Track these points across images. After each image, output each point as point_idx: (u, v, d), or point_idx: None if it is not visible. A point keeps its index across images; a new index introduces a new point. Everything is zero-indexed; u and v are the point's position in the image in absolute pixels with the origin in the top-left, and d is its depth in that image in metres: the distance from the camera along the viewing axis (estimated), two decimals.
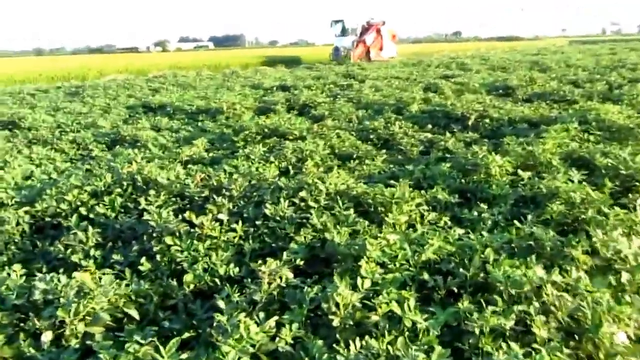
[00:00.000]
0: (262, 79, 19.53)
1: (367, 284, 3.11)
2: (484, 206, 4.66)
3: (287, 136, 7.90)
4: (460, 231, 4.10)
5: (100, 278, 3.36)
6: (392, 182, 5.41)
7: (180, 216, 4.34)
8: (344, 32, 38.42)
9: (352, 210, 4.46)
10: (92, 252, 4.05)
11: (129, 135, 8.62)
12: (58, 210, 4.70)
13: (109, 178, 5.07)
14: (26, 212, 4.65)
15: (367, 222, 4.29)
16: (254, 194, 4.88)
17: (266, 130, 8.10)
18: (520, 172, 5.38)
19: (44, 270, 4.03)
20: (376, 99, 11.83)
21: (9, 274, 3.49)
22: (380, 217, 4.44)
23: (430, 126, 8.67)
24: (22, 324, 3.06)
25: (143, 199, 4.76)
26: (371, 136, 8.08)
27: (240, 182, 4.97)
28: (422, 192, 5.03)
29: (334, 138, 7.51)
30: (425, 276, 3.39)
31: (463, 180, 5.50)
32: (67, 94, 17.02)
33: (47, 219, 4.70)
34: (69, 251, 4.07)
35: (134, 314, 3.07)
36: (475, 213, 4.58)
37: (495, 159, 5.50)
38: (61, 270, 3.87)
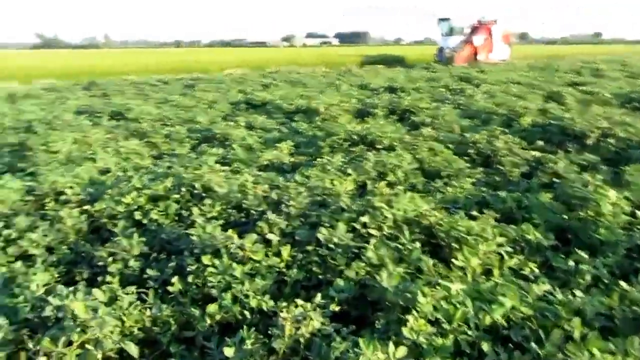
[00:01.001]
0: (373, 79, 18.99)
1: (402, 352, 2.52)
2: (584, 254, 3.79)
3: (375, 145, 7.34)
4: (546, 287, 3.32)
5: (116, 298, 3.11)
6: (477, 210, 4.71)
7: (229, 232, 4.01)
8: (451, 32, 35.89)
9: (418, 244, 3.84)
10: (131, 262, 3.83)
11: (220, 134, 8.55)
12: (114, 212, 4.57)
13: (169, 182, 4.87)
14: (84, 212, 4.58)
15: (432, 262, 3.66)
16: (313, 212, 4.41)
17: (355, 136, 7.59)
18: None
19: (85, 275, 3.91)
20: (486, 106, 10.84)
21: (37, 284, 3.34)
22: (450, 257, 3.78)
23: (541, 143, 7.64)
24: (27, 342, 2.86)
25: (197, 208, 4.50)
26: (470, 150, 7.26)
27: (300, 199, 4.52)
28: (512, 226, 4.26)
29: (424, 151, 6.82)
30: (485, 347, 2.72)
31: (566, 216, 4.60)
32: (184, 87, 17.71)
33: (104, 220, 4.59)
34: (110, 259, 3.89)
35: (133, 351, 2.74)
36: (572, 262, 3.73)
37: (609, 194, 4.54)
38: (100, 279, 3.75)
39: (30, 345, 2.69)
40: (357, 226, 4.10)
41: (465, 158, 6.96)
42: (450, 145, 7.46)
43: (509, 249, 3.90)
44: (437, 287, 3.20)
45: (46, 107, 11.99)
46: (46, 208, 4.75)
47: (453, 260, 3.68)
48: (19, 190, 4.96)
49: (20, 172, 6.30)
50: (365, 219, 4.11)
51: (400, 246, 3.82)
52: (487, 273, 3.71)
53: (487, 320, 2.87)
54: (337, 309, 3.08)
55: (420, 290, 3.04)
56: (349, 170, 5.83)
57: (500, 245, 3.89)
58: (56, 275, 3.84)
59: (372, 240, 3.84)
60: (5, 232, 4.27)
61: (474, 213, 4.38)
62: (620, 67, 24.36)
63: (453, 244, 3.98)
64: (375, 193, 4.85)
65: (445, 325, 2.87)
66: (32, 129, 8.72)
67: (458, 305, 2.98)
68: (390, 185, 5.57)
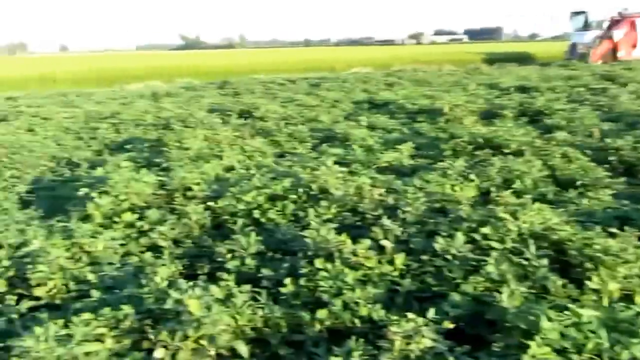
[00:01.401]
0: (503, 77, 18.04)
1: None
2: None
3: (502, 149, 6.92)
4: None
5: (231, 295, 3.20)
6: (617, 227, 4.23)
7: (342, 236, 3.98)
8: (586, 26, 32.27)
9: (545, 261, 3.52)
10: (248, 260, 3.93)
11: (340, 133, 8.59)
12: (235, 209, 4.74)
13: (288, 182, 4.95)
14: (208, 208, 4.80)
15: (561, 282, 3.34)
16: (431, 220, 4.23)
17: (480, 139, 7.22)
18: None
19: (205, 270, 4.10)
20: (633, 108, 9.80)
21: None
22: (583, 278, 3.42)
23: None
24: (149, 332, 3.03)
25: (313, 209, 4.52)
26: (611, 158, 6.59)
27: (417, 204, 4.37)
28: None
29: (557, 157, 6.30)
30: None
31: None
32: (309, 86, 18.12)
33: (226, 217, 4.78)
34: (229, 256, 4.04)
35: (244, 351, 2.79)
36: None
37: None
38: (218, 274, 3.89)
39: (151, 335, 2.84)
40: (477, 237, 3.86)
41: (605, 166, 6.32)
42: (588, 152, 6.81)
43: None
44: (566, 311, 2.90)
45: (183, 105, 12.89)
46: (175, 202, 5.06)
47: (587, 282, 3.33)
48: (152, 185, 5.33)
49: (155, 166, 6.79)
50: (486, 230, 3.86)
51: (524, 262, 3.54)
52: (627, 299, 3.31)
53: (625, 355, 2.54)
54: (451, 326, 2.90)
55: (545, 314, 2.77)
56: (472, 176, 5.54)
57: None
58: (180, 268, 4.07)
59: (493, 254, 3.59)
60: (139, 223, 4.60)
61: (613, 230, 3.93)
62: None
63: (587, 264, 3.61)
64: (499, 202, 4.55)
65: (574, 357, 2.58)
66: (169, 126, 9.39)
67: (590, 335, 2.67)
68: (517, 193, 5.20)
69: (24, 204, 5.75)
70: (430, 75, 20.71)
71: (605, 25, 31.74)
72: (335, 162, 6.68)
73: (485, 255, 3.60)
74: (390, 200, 4.63)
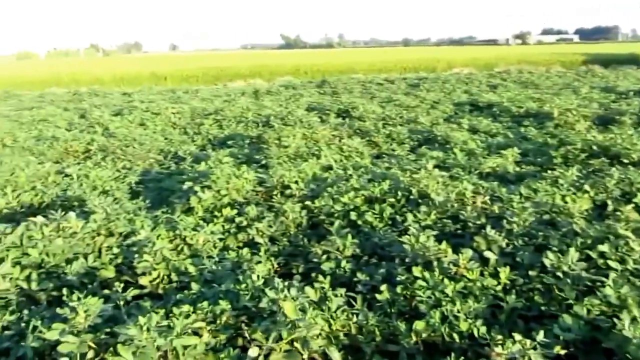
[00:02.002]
0: (619, 80, 16.71)
1: None
2: None
3: (621, 158, 6.36)
4: None
5: (326, 298, 3.14)
6: None
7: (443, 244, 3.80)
8: None
9: None
10: (343, 263, 3.87)
11: (440, 136, 8.32)
12: (332, 210, 4.69)
13: (386, 185, 4.83)
14: (304, 207, 4.79)
15: None
16: (540, 233, 3.94)
17: (595, 147, 6.68)
18: None
19: (300, 270, 4.08)
20: None
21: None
22: None
23: None
24: (244, 329, 3.05)
25: (412, 214, 4.37)
26: None
27: (525, 215, 4.08)
28: None
29: None
30: None
31: None
32: (408, 86, 17.82)
33: (322, 217, 4.75)
34: (324, 257, 4.00)
35: (336, 357, 2.72)
36: None
37: None
38: (313, 275, 3.86)
39: (246, 334, 2.85)
40: (593, 255, 3.54)
41: None
42: None
43: None
44: None
45: (283, 103, 13.13)
46: (273, 200, 5.10)
47: None
48: (252, 181, 5.42)
49: (255, 163, 6.93)
50: (604, 247, 3.53)
51: None
52: None
53: None
54: (562, 352, 2.66)
55: None
56: (586, 187, 5.11)
57: None
58: (276, 266, 4.09)
59: (612, 275, 3.26)
60: (238, 219, 4.68)
61: None
62: None
63: None
64: (619, 217, 4.15)
65: None
66: (269, 124, 9.58)
67: None
68: (638, 209, 4.73)
69: (134, 194, 6.06)
70: (537, 77, 19.64)
71: None
72: (435, 166, 6.49)
73: (603, 275, 3.29)
74: (494, 209, 4.37)
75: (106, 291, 3.37)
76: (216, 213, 4.85)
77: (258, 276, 3.39)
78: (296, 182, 5.32)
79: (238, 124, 10.05)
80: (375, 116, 10.41)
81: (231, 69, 29.01)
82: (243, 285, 3.30)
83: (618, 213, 4.24)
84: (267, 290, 3.12)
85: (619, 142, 6.65)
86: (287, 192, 5.23)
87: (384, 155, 7.74)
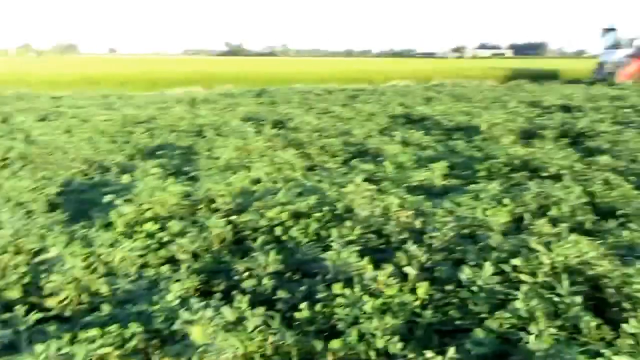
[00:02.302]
0: (545, 95, 17.54)
1: None
2: None
3: (540, 172, 6.64)
4: None
5: (244, 318, 3.08)
6: None
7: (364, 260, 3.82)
8: (616, 44, 30.63)
9: (579, 299, 3.28)
10: (265, 280, 3.81)
11: (373, 149, 8.43)
12: (257, 225, 4.64)
13: (313, 199, 4.82)
14: (230, 222, 4.71)
15: (595, 322, 3.10)
16: (458, 247, 4.03)
17: (517, 161, 6.95)
18: None
19: (221, 287, 4.00)
20: None
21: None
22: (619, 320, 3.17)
23: None
24: (154, 354, 2.94)
25: (336, 229, 4.37)
26: None
27: (445, 230, 4.18)
28: None
29: (598, 183, 5.98)
30: None
31: None
32: (347, 97, 18.02)
33: (247, 232, 4.68)
34: (246, 274, 3.93)
35: None
36: None
37: None
38: (234, 293, 3.78)
39: (157, 358, 2.75)
40: (507, 269, 3.65)
41: None
42: (632, 178, 6.46)
43: None
44: (599, 358, 2.69)
45: (219, 113, 12.96)
46: (198, 214, 4.99)
47: (623, 325, 3.08)
48: (177, 194, 5.28)
49: (184, 175, 6.77)
50: (516, 261, 3.64)
51: (556, 298, 3.31)
52: None
53: None
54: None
55: (576, 358, 2.57)
56: (505, 200, 5.28)
57: None
58: (196, 283, 3.98)
59: (523, 288, 3.37)
60: (159, 234, 4.54)
61: None
62: None
63: (624, 304, 3.35)
64: (533, 231, 4.31)
65: None
66: (202, 133, 9.42)
67: None
68: (553, 221, 4.94)
69: (52, 206, 5.79)
70: (470, 90, 20.32)
71: (638, 43, 30.35)
72: (365, 179, 6.54)
73: (515, 289, 3.39)
74: (417, 223, 4.44)
75: (5, 315, 3.16)
76: (137, 228, 4.69)
77: (174, 296, 3.30)
78: (223, 195, 5.23)
79: (170, 133, 9.81)
80: (311, 127, 10.43)
81: (170, 75, 28.44)
82: (157, 306, 3.19)
83: (532, 227, 4.40)
84: (181, 311, 3.03)
85: (539, 156, 6.94)
86: (213, 206, 5.13)
87: (316, 168, 7.76)
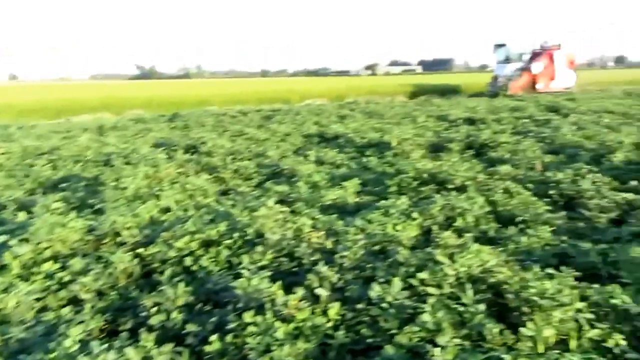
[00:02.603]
0: (452, 109, 18.41)
1: None
2: None
3: (447, 184, 6.91)
4: None
5: (149, 358, 2.95)
6: (556, 265, 4.22)
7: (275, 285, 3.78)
8: (507, 59, 32.71)
9: (482, 306, 3.41)
10: (174, 314, 3.67)
11: (287, 169, 8.45)
12: (166, 257, 4.49)
13: (223, 227, 4.74)
14: (137, 255, 4.53)
15: (498, 329, 3.23)
16: (368, 265, 4.09)
17: (425, 175, 7.20)
18: None
19: (128, 325, 3.81)
20: (574, 140, 10.05)
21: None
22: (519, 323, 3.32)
23: (635, 183, 6.87)
24: None
25: (247, 255, 4.31)
26: (551, 192, 6.65)
27: (355, 248, 4.23)
28: (595, 286, 3.72)
29: (499, 192, 6.31)
30: None
31: None
32: (262, 118, 18.00)
33: (156, 265, 4.51)
34: (154, 309, 3.77)
35: None
36: None
37: None
38: (141, 330, 3.61)
39: None
40: (415, 283, 3.73)
41: (547, 200, 6.37)
42: (530, 186, 6.88)
43: (590, 316, 3.38)
44: None
45: (129, 139, 12.52)
46: (102, 249, 4.76)
47: (521, 329, 3.23)
48: (80, 230, 5.01)
49: (90, 208, 6.45)
50: (423, 275, 3.74)
51: (461, 308, 3.42)
52: (563, 344, 3.22)
53: None
54: None
55: None
56: (414, 214, 5.45)
57: (579, 310, 3.38)
58: (101, 324, 3.77)
59: (430, 300, 3.46)
60: (60, 274, 4.27)
61: (550, 271, 3.87)
62: None
63: (524, 308, 3.52)
64: (439, 243, 4.45)
65: None
66: (109, 163, 9.04)
67: None
68: (459, 232, 5.14)
69: None
70: (382, 107, 20.94)
71: (526, 57, 32.44)
72: (279, 201, 6.52)
73: (423, 302, 3.47)
74: (329, 243, 4.47)
75: None
76: (35, 269, 4.39)
77: (73, 341, 3.10)
78: (129, 227, 5.02)
79: (75, 164, 9.33)
80: (224, 151, 10.31)
81: (77, 102, 27.17)
82: (54, 354, 2.99)
83: (438, 239, 4.55)
84: (80, 357, 2.86)
85: (445, 169, 7.23)
86: (119, 239, 4.91)
87: (230, 192, 7.65)
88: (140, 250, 4.60)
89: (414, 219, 5.34)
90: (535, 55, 32.40)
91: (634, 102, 19.27)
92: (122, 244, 4.86)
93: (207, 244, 4.62)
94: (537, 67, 31.40)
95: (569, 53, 33.01)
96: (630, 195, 6.16)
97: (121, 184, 7.05)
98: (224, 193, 7.58)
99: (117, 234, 4.97)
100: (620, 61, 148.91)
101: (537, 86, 31.06)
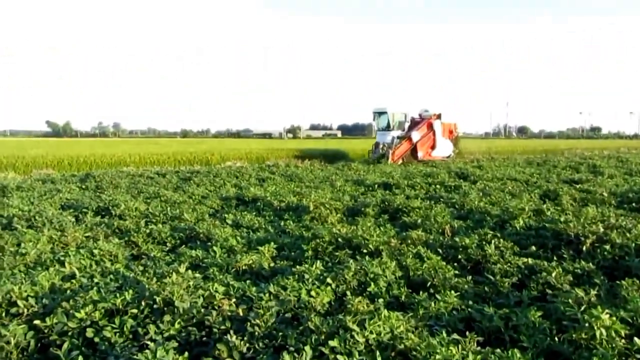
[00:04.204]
0: (369, 174, 19.01)
1: None
2: None
3: (361, 249, 7.04)
4: None
5: None
6: (462, 328, 4.38)
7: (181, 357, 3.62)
8: (388, 126, 31.74)
9: None
10: None
11: (203, 233, 8.29)
12: (65, 328, 4.21)
13: (129, 295, 4.53)
14: (32, 328, 4.22)
15: None
16: (279, 334, 4.04)
17: (340, 240, 7.31)
18: (637, 340, 4.00)
19: None
20: (481, 205, 10.63)
21: None
22: None
23: (534, 248, 7.32)
24: None
25: (154, 325, 4.13)
26: (460, 256, 6.95)
27: (267, 316, 4.17)
28: (497, 352, 3.86)
29: (410, 257, 6.51)
30: None
31: (557, 339, 4.23)
32: (179, 180, 17.70)
33: (54, 338, 4.21)
34: None
35: None
36: None
37: (604, 317, 4.16)
38: None
39: None
40: (326, 351, 3.72)
41: (455, 264, 6.64)
42: (440, 250, 7.16)
43: None
44: None
45: (35, 201, 11.86)
46: None
47: None
48: None
49: None
50: (334, 342, 3.74)
51: None
52: None
53: None
54: None
55: None
56: (329, 279, 5.48)
57: None
58: None
59: None
60: None
61: (456, 336, 4.00)
62: (618, 163, 24.52)
63: None
64: (351, 310, 4.49)
65: None
66: (11, 226, 8.49)
67: None
68: (372, 297, 5.22)
69: None
70: (302, 170, 21.25)
71: (407, 125, 32.08)
72: (192, 266, 6.38)
73: None
74: (240, 311, 4.38)
75: None
76: None
77: None
78: (27, 297, 4.68)
79: None
80: (138, 213, 10.00)
81: None
82: None
83: (350, 305, 4.59)
84: None
85: (359, 233, 7.38)
86: (14, 310, 4.56)
87: (143, 256, 7.37)
88: (37, 321, 4.28)
89: (328, 285, 5.37)
90: (414, 124, 32.05)
91: (534, 170, 20.77)
92: (17, 315, 4.51)
93: (111, 314, 4.39)
94: (416, 135, 30.77)
95: (449, 122, 32.89)
96: (530, 260, 6.55)
97: (22, 250, 6.61)
98: (135, 258, 7.30)
99: (12, 304, 4.61)
100: (522, 131, 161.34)
101: (418, 154, 30.62)
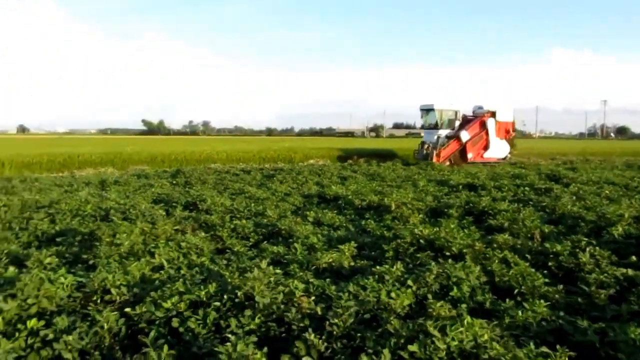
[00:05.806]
0: (452, 175, 18.51)
1: None
2: None
3: (444, 251, 6.84)
4: None
5: None
6: (552, 341, 4.12)
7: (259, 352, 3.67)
8: (436, 124, 28.99)
9: None
10: None
11: (285, 230, 8.41)
12: (153, 317, 4.39)
13: (212, 288, 4.66)
14: (123, 315, 4.43)
15: None
16: (358, 334, 3.99)
17: (422, 241, 7.14)
18: None
19: None
20: (574, 210, 10.02)
21: None
22: None
23: (634, 258, 6.79)
24: None
25: (235, 319, 4.22)
26: (550, 263, 6.58)
27: (346, 316, 4.13)
28: None
29: (496, 262, 6.23)
30: None
31: None
32: (263, 177, 18.11)
33: (142, 325, 4.41)
34: None
35: None
36: None
37: None
38: None
39: None
40: (405, 355, 3.63)
41: (544, 272, 6.29)
42: (528, 256, 6.82)
43: None
44: None
45: (130, 195, 12.56)
46: (89, 307, 4.67)
47: None
48: (69, 286, 4.94)
49: (83, 263, 6.40)
50: (413, 347, 3.64)
51: None
52: None
53: None
54: None
55: None
56: (409, 282, 5.36)
57: None
58: None
59: None
60: (44, 331, 4.18)
61: (545, 349, 3.76)
62: None
63: None
64: (431, 314, 4.36)
65: None
66: (108, 217, 9.03)
67: None
68: (454, 302, 5.05)
69: None
70: (384, 169, 21.08)
71: (457, 124, 29.24)
72: (273, 262, 6.48)
73: None
74: (319, 309, 4.37)
75: None
76: (20, 326, 4.29)
77: None
78: (119, 286, 4.94)
79: (73, 218, 9.32)
80: (224, 209, 10.31)
81: (81, 156, 27.44)
82: None
83: (431, 310, 4.45)
84: None
85: (442, 235, 7.18)
86: (108, 297, 4.83)
87: (227, 251, 7.59)
88: (127, 309, 4.51)
89: (409, 287, 5.26)
90: (465, 122, 29.28)
91: (635, 174, 19.35)
92: (110, 302, 4.77)
93: (195, 305, 4.53)
94: (466, 134, 28.23)
95: (505, 121, 29.74)
96: (630, 271, 6.06)
97: (117, 240, 7.00)
98: (220, 252, 7.52)
99: (106, 292, 4.88)
100: (622, 132, 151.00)
101: (468, 156, 28.21)
